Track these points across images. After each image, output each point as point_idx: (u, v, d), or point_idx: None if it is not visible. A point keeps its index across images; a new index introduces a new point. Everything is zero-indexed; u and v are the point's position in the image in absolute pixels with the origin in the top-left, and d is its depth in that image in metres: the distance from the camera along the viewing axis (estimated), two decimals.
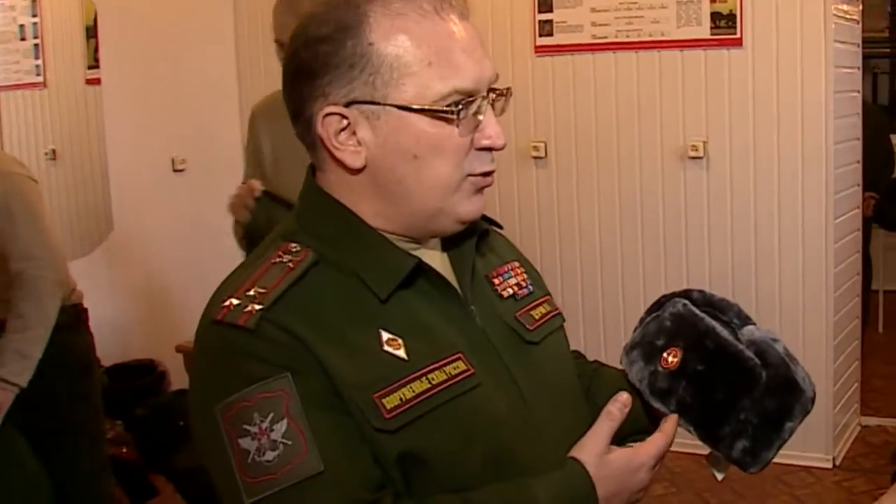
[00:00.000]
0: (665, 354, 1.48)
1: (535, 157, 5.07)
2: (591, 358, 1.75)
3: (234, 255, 5.58)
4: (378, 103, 1.27)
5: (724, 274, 4.72)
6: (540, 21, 4.96)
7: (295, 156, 2.37)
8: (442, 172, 1.30)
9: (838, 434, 4.78)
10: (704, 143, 4.68)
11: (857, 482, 4.55)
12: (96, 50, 5.04)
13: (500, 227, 1.56)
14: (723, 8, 4.54)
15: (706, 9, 4.58)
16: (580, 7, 4.86)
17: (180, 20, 5.35)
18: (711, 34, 4.59)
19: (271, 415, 1.19)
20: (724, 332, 1.46)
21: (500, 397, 1.34)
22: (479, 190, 1.35)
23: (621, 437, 1.48)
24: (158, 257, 5.21)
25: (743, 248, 4.70)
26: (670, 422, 1.43)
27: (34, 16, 4.98)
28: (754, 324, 1.55)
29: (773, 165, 4.58)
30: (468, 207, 1.34)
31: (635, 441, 1.49)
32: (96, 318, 3.58)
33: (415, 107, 1.27)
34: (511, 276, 1.51)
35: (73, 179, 5.15)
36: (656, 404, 1.47)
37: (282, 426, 1.19)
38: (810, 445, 4.54)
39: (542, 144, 5.05)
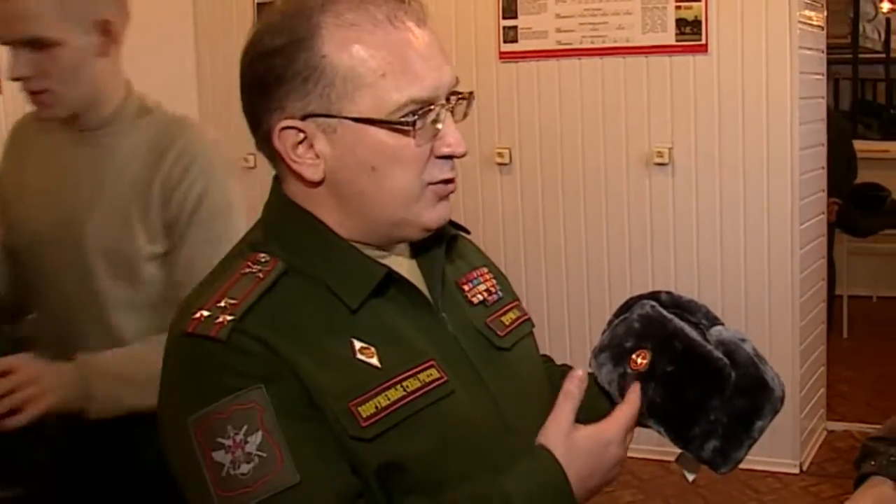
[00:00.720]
0: (634, 356, 1.47)
1: (500, 164, 5.05)
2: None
3: None
4: (334, 116, 1.26)
5: (690, 279, 4.72)
6: (504, 27, 4.94)
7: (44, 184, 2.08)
8: (401, 183, 1.29)
9: (805, 439, 4.81)
10: (670, 149, 4.68)
11: (823, 487, 4.57)
12: None
13: (468, 233, 1.55)
14: (688, 14, 4.55)
15: (671, 15, 4.58)
16: (545, 13, 4.84)
17: (140, 26, 5.24)
18: (677, 40, 4.59)
19: (245, 427, 1.17)
20: (693, 333, 1.45)
21: (474, 403, 1.33)
22: (444, 197, 1.33)
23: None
24: None
25: (709, 253, 4.70)
26: (633, 391, 1.42)
27: None
28: (722, 324, 1.55)
29: (738, 171, 4.59)
30: (432, 215, 1.33)
31: None
32: None
33: (370, 118, 1.25)
34: (480, 283, 1.50)
35: None
36: (616, 398, 1.47)
37: (256, 438, 1.17)
38: (777, 451, 4.54)
39: (506, 151, 5.03)
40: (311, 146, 1.28)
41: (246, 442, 1.17)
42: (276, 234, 1.35)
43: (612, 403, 1.47)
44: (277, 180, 1.38)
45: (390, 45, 1.26)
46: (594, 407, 1.47)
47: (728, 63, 4.52)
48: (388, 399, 1.24)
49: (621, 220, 4.84)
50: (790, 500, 4.48)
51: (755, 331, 4.59)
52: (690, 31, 4.55)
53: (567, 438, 1.32)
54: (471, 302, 1.45)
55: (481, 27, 4.99)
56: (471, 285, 1.48)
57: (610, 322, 1.58)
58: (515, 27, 4.91)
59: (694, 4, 4.52)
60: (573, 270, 4.97)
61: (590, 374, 1.54)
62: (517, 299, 1.55)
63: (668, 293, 1.56)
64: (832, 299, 6.25)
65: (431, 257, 1.41)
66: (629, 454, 1.42)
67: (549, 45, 4.85)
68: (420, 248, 1.41)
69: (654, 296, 1.55)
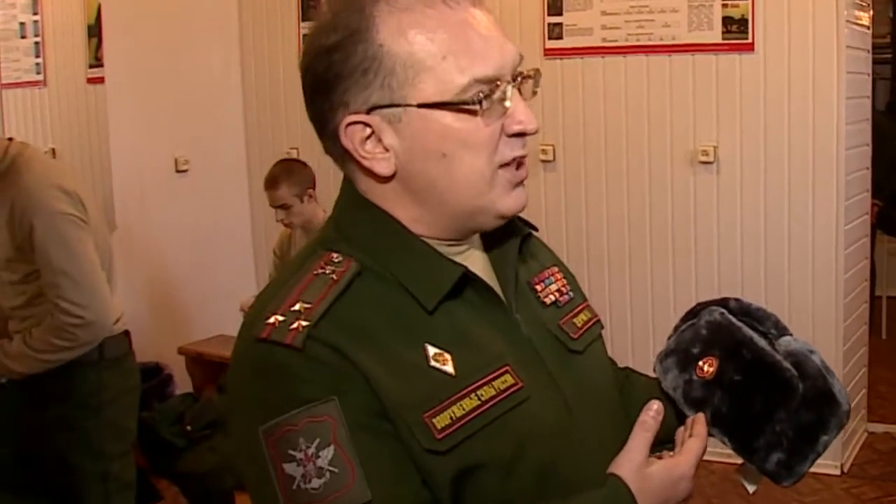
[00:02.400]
0: (701, 363, 1.46)
1: (544, 161, 5.05)
2: None
3: (237, 258, 5.60)
4: (398, 105, 1.23)
5: (734, 278, 4.70)
6: (549, 24, 4.94)
7: None
8: (473, 168, 1.25)
9: (846, 441, 4.77)
10: (715, 147, 4.66)
11: (865, 489, 4.54)
12: (98, 48, 4.99)
13: (536, 230, 1.51)
14: (735, 12, 4.52)
15: (718, 13, 4.56)
16: (590, 10, 4.84)
17: (184, 20, 5.34)
18: (723, 39, 4.56)
19: (318, 440, 1.15)
20: (762, 342, 1.44)
21: (547, 409, 1.31)
22: (518, 184, 1.30)
23: (653, 445, 1.45)
24: (161, 259, 5.19)
25: (753, 253, 4.68)
26: (700, 424, 1.40)
27: (35, 14, 4.96)
28: (791, 334, 1.53)
29: (783, 171, 4.57)
30: (508, 202, 1.29)
31: (665, 450, 1.47)
32: None
33: (434, 102, 1.22)
34: (552, 283, 1.47)
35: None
36: (690, 413, 1.45)
37: (328, 453, 1.15)
38: None
39: (550, 148, 5.03)
40: (380, 140, 1.25)
41: (318, 456, 1.15)
42: (349, 232, 1.32)
43: (675, 409, 1.47)
44: (345, 182, 1.36)
45: (448, 25, 1.23)
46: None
47: (775, 62, 4.49)
48: (463, 409, 1.22)
49: (665, 218, 4.83)
50: (831, 501, 4.45)
51: (798, 331, 4.50)
52: (737, 29, 4.52)
53: (640, 471, 1.30)
54: (543, 303, 1.42)
55: (526, 24, 4.98)
56: (543, 285, 1.45)
57: (676, 327, 1.57)
58: (560, 24, 4.91)
59: (741, 2, 4.49)
60: (616, 268, 4.96)
61: (654, 379, 1.56)
62: (586, 300, 1.53)
63: (737, 300, 1.55)
64: (872, 300, 6.19)
65: (504, 257, 1.39)
66: (720, 441, 1.43)
67: (594, 42, 4.85)
68: (493, 247, 1.39)
69: (722, 302, 1.54)
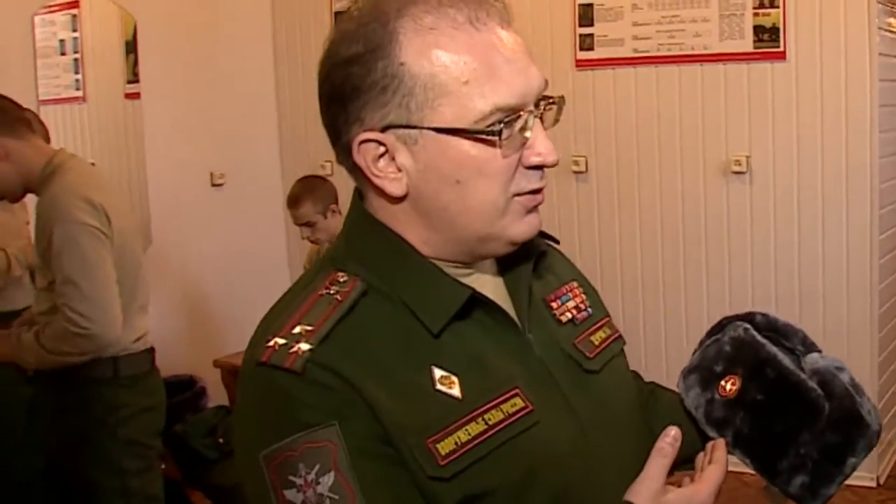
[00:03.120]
0: (723, 382, 1.42)
1: (576, 172, 5.05)
2: None
3: (272, 271, 5.64)
4: (415, 127, 1.18)
5: (767, 289, 4.68)
6: (581, 35, 4.94)
7: None
8: (487, 196, 1.21)
9: (882, 452, 4.72)
10: (747, 157, 4.64)
11: None
12: (135, 65, 5.06)
13: (557, 242, 1.48)
14: (766, 21, 4.50)
15: (749, 22, 4.54)
16: (621, 21, 4.84)
17: (219, 35, 5.40)
18: (755, 48, 4.55)
19: (318, 466, 1.12)
20: (786, 361, 1.39)
21: (560, 433, 1.26)
22: (533, 208, 1.25)
23: (675, 463, 1.40)
24: (196, 272, 5.24)
25: (786, 262, 4.65)
26: (720, 449, 1.34)
27: (74, 31, 5.01)
28: (820, 351, 1.48)
29: (816, 180, 4.54)
30: (520, 228, 1.25)
31: (686, 473, 1.42)
32: None
33: (453, 128, 1.17)
34: (569, 299, 1.42)
35: None
36: (712, 434, 1.41)
37: (328, 479, 1.12)
38: None
39: (582, 159, 5.03)
40: (393, 159, 1.21)
41: (318, 482, 1.12)
42: (357, 250, 1.28)
43: (696, 428, 1.43)
44: (358, 194, 1.32)
45: (473, 48, 1.17)
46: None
47: (807, 70, 4.47)
48: (469, 434, 1.17)
49: (698, 228, 4.81)
50: None
51: (833, 343, 4.52)
52: (768, 38, 4.50)
53: (657, 500, 1.24)
54: (559, 321, 1.37)
55: (557, 35, 5.00)
56: (559, 302, 1.40)
57: (702, 342, 1.53)
58: (592, 35, 4.91)
59: (772, 11, 4.47)
60: (649, 280, 4.95)
61: (677, 395, 1.51)
62: (608, 315, 1.48)
63: (764, 315, 1.50)
64: None
65: (518, 274, 1.34)
66: (741, 462, 1.39)
67: (625, 52, 4.85)
68: (506, 265, 1.34)
69: (748, 317, 1.50)
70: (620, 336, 1.48)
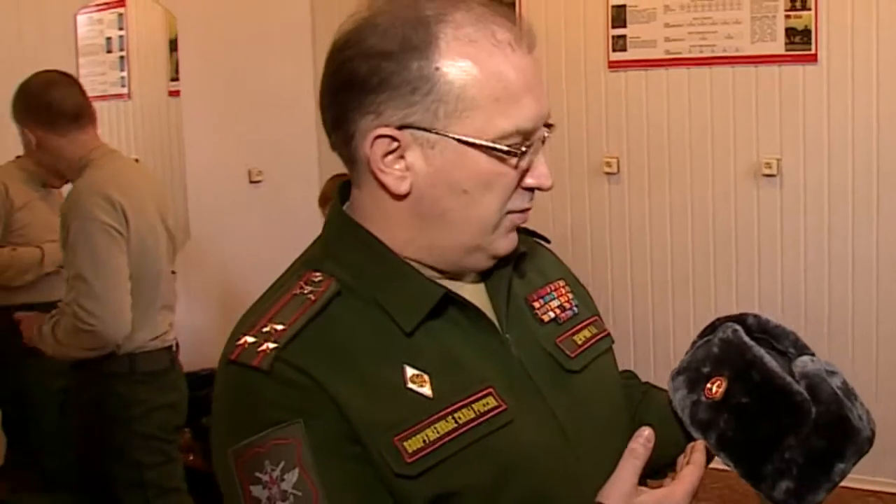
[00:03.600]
0: (709, 384, 1.40)
1: (608, 173, 5.07)
2: (653, 377, 1.69)
3: None
4: (437, 132, 1.20)
5: (797, 292, 4.68)
6: (613, 36, 4.96)
7: None
8: (488, 209, 1.24)
9: None
10: (778, 160, 4.63)
11: None
12: (179, 62, 5.16)
13: (548, 241, 1.51)
14: (798, 23, 4.49)
15: (781, 24, 4.53)
16: (654, 22, 4.85)
17: (258, 33, 5.45)
18: (786, 50, 4.53)
19: (282, 463, 1.13)
20: (773, 364, 1.37)
21: (536, 433, 1.26)
22: (513, 228, 1.30)
23: (663, 465, 1.43)
24: (233, 268, 5.29)
25: (816, 267, 4.64)
26: (698, 451, 1.34)
27: (120, 29, 5.10)
28: (812, 354, 1.46)
29: (847, 183, 4.52)
30: (504, 245, 1.29)
31: (669, 475, 1.43)
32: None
33: (477, 142, 1.20)
34: (553, 298, 1.43)
35: None
36: (697, 435, 1.39)
37: (293, 476, 1.12)
38: (880, 469, 4.44)
39: (614, 160, 5.04)
40: (402, 157, 1.22)
41: (282, 479, 1.12)
42: (334, 251, 1.30)
43: (683, 430, 1.42)
44: (337, 195, 1.35)
45: (506, 70, 1.20)
46: (666, 433, 1.41)
47: (838, 73, 4.45)
48: (437, 432, 1.17)
49: (728, 230, 4.81)
50: None
51: (861, 348, 4.55)
52: (800, 40, 4.49)
53: (628, 500, 1.24)
54: (541, 320, 1.38)
55: (590, 36, 5.02)
56: (542, 302, 1.41)
57: (693, 343, 1.51)
58: (624, 36, 4.93)
59: (804, 13, 4.46)
60: (679, 280, 4.96)
61: (666, 395, 1.49)
62: (596, 314, 1.49)
63: (756, 316, 1.49)
64: None
65: (498, 274, 1.35)
66: (723, 467, 1.37)
67: (657, 54, 4.86)
68: (488, 270, 1.35)
69: (741, 318, 1.48)
70: (608, 335, 1.48)
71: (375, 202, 1.27)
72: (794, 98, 4.57)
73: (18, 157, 3.86)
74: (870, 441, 1.37)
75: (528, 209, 1.29)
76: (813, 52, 4.48)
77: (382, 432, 1.15)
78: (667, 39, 4.83)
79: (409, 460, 1.15)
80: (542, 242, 1.50)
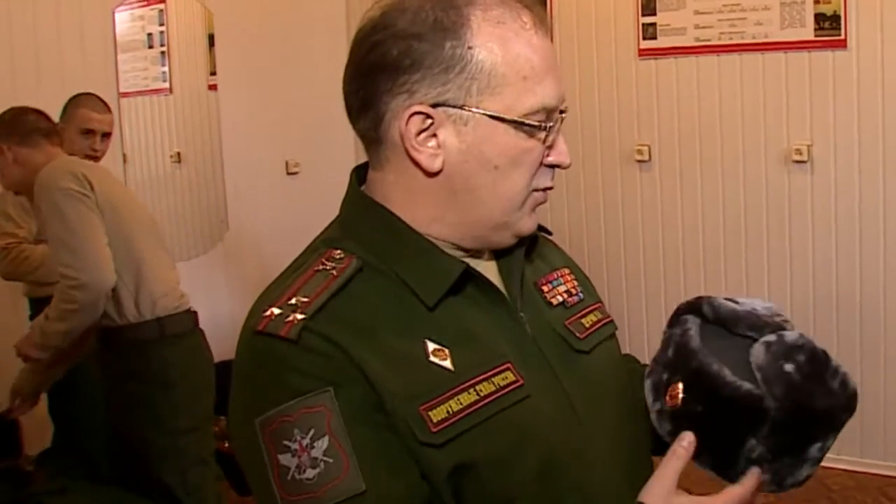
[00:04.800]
0: (670, 389, 1.38)
1: (639, 161, 5.11)
2: None
3: None
4: (469, 109, 1.24)
5: (828, 278, 4.69)
6: (643, 24, 4.98)
7: None
8: (516, 185, 1.28)
9: None
10: (809, 146, 4.64)
11: None
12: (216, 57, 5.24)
13: (550, 234, 1.55)
14: (827, 9, 4.48)
15: (810, 10, 4.52)
16: (683, 10, 4.87)
17: (294, 27, 5.52)
18: (815, 36, 4.53)
19: (312, 431, 1.14)
20: (719, 370, 1.32)
21: (549, 407, 1.30)
22: (535, 207, 1.34)
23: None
24: (271, 258, 5.34)
25: (847, 252, 4.65)
26: (751, 477, 1.31)
27: (161, 25, 5.18)
28: (781, 327, 1.39)
29: (878, 169, 4.52)
30: (528, 223, 1.34)
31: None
32: (212, 314, 3.72)
33: (509, 118, 1.25)
34: (561, 284, 1.48)
35: (195, 181, 5.33)
36: (670, 441, 1.37)
37: (323, 443, 1.14)
38: None
39: (645, 148, 5.08)
40: (434, 135, 1.26)
41: (312, 447, 1.14)
42: (353, 230, 1.32)
43: (656, 435, 1.41)
44: (353, 177, 1.37)
45: (532, 49, 1.26)
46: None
47: (868, 58, 4.44)
48: (461, 404, 1.21)
49: (759, 217, 4.83)
50: None
51: (894, 333, 4.56)
52: (829, 25, 4.48)
53: (668, 499, 1.27)
54: (550, 303, 1.43)
55: (621, 24, 5.05)
56: (550, 286, 1.46)
57: (664, 334, 1.48)
58: (654, 24, 4.95)
59: None
60: (711, 267, 4.98)
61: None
62: (600, 301, 1.53)
63: (711, 304, 1.43)
64: None
65: (511, 258, 1.39)
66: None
67: (687, 41, 4.87)
68: (502, 251, 1.39)
69: (696, 305, 1.44)
70: (612, 321, 1.53)
71: (403, 181, 1.30)
72: (824, 84, 4.57)
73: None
74: (848, 407, 1.34)
75: (550, 188, 1.33)
76: (842, 37, 4.47)
77: (407, 402, 1.18)
78: (696, 27, 4.84)
79: (434, 430, 1.18)
80: (545, 235, 1.54)
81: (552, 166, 1.31)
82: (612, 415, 1.40)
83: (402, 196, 1.30)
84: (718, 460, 1.33)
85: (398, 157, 1.28)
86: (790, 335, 1.35)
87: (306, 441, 1.14)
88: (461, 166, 1.26)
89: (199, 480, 3.35)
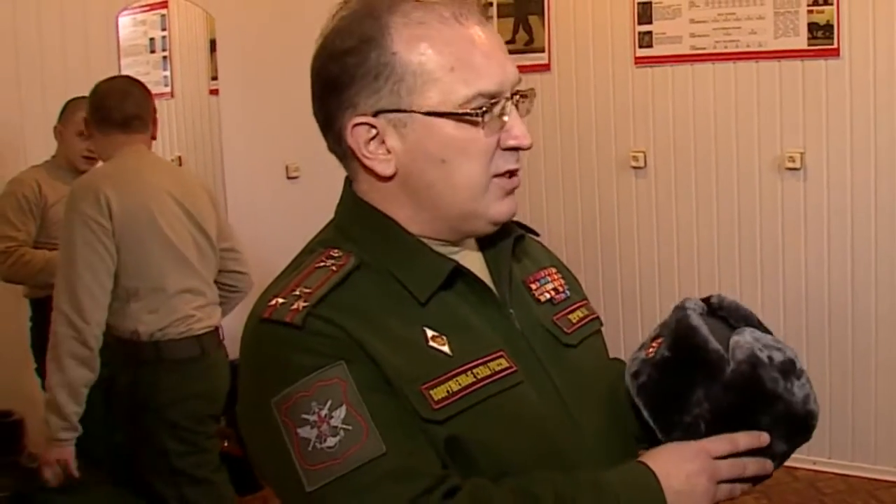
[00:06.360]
0: (651, 343, 1.48)
1: (635, 167, 5.14)
2: None
3: None
4: (404, 111, 1.29)
5: (820, 284, 4.71)
6: (640, 32, 5.01)
7: None
8: (469, 175, 1.32)
9: None
10: (802, 154, 4.66)
11: None
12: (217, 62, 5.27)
13: (537, 235, 1.60)
14: (820, 18, 4.51)
15: (803, 19, 4.55)
16: (679, 18, 4.90)
17: (294, 33, 5.48)
18: (809, 45, 4.55)
19: (329, 402, 1.20)
20: (698, 323, 1.43)
21: (540, 396, 1.35)
22: (510, 192, 1.37)
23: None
24: (271, 263, 5.33)
25: (839, 259, 4.67)
26: (745, 435, 1.38)
27: (163, 29, 5.23)
28: (767, 332, 1.50)
29: (869, 177, 4.55)
30: (499, 209, 1.37)
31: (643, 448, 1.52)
32: None
33: (440, 111, 1.29)
34: (548, 282, 1.53)
35: None
36: (628, 384, 1.47)
37: (341, 412, 1.19)
38: None
39: (641, 154, 5.11)
40: (383, 142, 1.31)
41: (331, 416, 1.19)
42: (348, 232, 1.38)
43: (642, 423, 1.47)
44: (348, 182, 1.43)
45: (457, 41, 1.30)
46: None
47: (860, 67, 4.47)
48: (459, 384, 1.26)
49: (753, 223, 4.86)
50: None
51: (885, 342, 4.59)
52: (823, 35, 4.51)
53: (670, 447, 1.37)
54: (538, 300, 1.48)
55: (617, 33, 5.09)
56: (538, 284, 1.50)
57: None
58: (650, 32, 4.98)
59: (826, 8, 4.48)
60: (705, 273, 5.01)
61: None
62: (585, 299, 1.58)
63: (719, 296, 1.56)
64: None
65: (498, 256, 1.44)
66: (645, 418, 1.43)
67: (683, 49, 4.90)
68: (487, 247, 1.45)
69: (706, 299, 1.55)
70: (597, 317, 1.58)
71: (371, 189, 1.37)
72: (817, 92, 4.60)
73: (49, 160, 4.07)
74: (804, 420, 1.41)
75: (515, 170, 1.36)
76: (835, 46, 4.50)
77: (410, 382, 1.24)
78: (692, 35, 4.88)
79: (436, 407, 1.24)
80: (532, 236, 1.58)
81: (512, 149, 1.35)
82: (598, 405, 1.45)
83: (381, 201, 1.37)
84: (664, 402, 1.40)
85: (358, 168, 1.36)
86: (783, 344, 1.45)
87: (325, 411, 1.19)
88: (411, 166, 1.32)
89: (197, 498, 3.31)
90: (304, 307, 1.25)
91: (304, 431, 1.20)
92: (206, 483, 3.34)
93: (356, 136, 1.32)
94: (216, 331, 3.39)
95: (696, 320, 1.43)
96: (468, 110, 1.30)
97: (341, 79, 1.31)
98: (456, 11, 1.32)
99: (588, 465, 1.35)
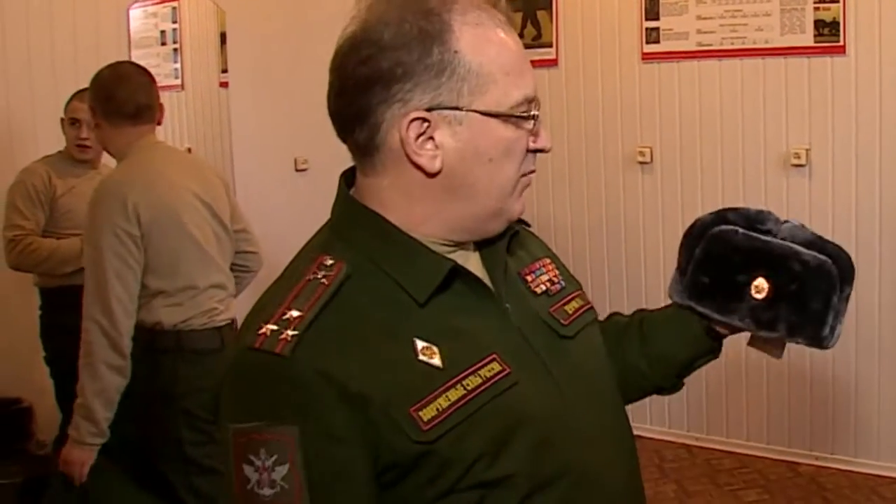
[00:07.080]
0: (752, 288, 1.53)
1: (641, 163, 5.16)
2: None
3: None
4: (462, 109, 1.31)
5: None
6: (647, 28, 5.04)
7: None
8: (508, 174, 1.35)
9: None
10: (807, 150, 4.68)
11: None
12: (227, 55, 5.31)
13: (529, 226, 1.61)
14: (826, 15, 4.53)
15: (810, 16, 4.56)
16: (686, 14, 4.92)
17: (303, 26, 5.53)
18: (815, 42, 4.57)
19: (276, 456, 1.21)
20: (802, 250, 1.53)
21: (538, 393, 1.36)
22: (523, 190, 1.41)
23: (691, 359, 1.63)
24: (280, 255, 5.37)
25: None
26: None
27: (174, 22, 5.28)
28: (786, 221, 1.61)
29: (875, 174, 4.55)
30: (518, 207, 1.41)
31: (704, 362, 1.64)
32: None
33: (495, 112, 1.32)
34: (543, 273, 1.54)
35: None
36: (765, 334, 1.56)
37: (283, 470, 1.21)
38: None
39: (647, 150, 5.14)
40: (431, 138, 1.31)
41: (273, 469, 1.21)
42: (344, 234, 1.38)
43: (706, 322, 1.59)
44: (342, 182, 1.43)
45: (508, 46, 1.34)
46: (683, 331, 1.61)
47: (866, 64, 4.48)
48: (449, 400, 1.26)
49: None
50: None
51: (890, 335, 4.60)
52: (829, 32, 4.52)
53: None
54: (534, 292, 1.49)
55: (624, 28, 5.11)
56: (533, 276, 1.52)
57: (684, 245, 1.64)
58: (657, 28, 5.00)
59: (832, 6, 4.49)
60: None
61: (668, 307, 1.66)
62: (580, 288, 1.59)
63: (734, 210, 1.61)
64: None
65: (494, 251, 1.45)
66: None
67: (689, 46, 4.92)
68: (483, 243, 1.45)
69: (722, 217, 1.61)
70: (592, 307, 1.59)
71: (401, 184, 1.35)
72: (823, 89, 4.61)
73: (60, 151, 4.10)
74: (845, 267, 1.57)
75: (533, 171, 1.41)
76: (841, 43, 4.51)
77: (398, 405, 1.24)
78: (699, 32, 4.89)
79: (425, 429, 1.24)
80: (524, 226, 1.60)
81: (535, 151, 1.39)
82: (599, 397, 1.47)
83: (398, 198, 1.36)
84: (814, 327, 1.52)
85: (397, 162, 1.34)
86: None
87: (269, 463, 1.21)
88: (459, 163, 1.33)
89: (208, 488, 3.29)
90: (292, 337, 1.25)
91: (248, 471, 1.23)
92: (214, 473, 3.27)
93: (409, 131, 1.31)
94: (233, 322, 3.40)
95: (800, 249, 1.53)
96: (519, 113, 1.34)
97: (394, 73, 1.29)
98: (505, 17, 1.36)
99: (591, 455, 1.38)
